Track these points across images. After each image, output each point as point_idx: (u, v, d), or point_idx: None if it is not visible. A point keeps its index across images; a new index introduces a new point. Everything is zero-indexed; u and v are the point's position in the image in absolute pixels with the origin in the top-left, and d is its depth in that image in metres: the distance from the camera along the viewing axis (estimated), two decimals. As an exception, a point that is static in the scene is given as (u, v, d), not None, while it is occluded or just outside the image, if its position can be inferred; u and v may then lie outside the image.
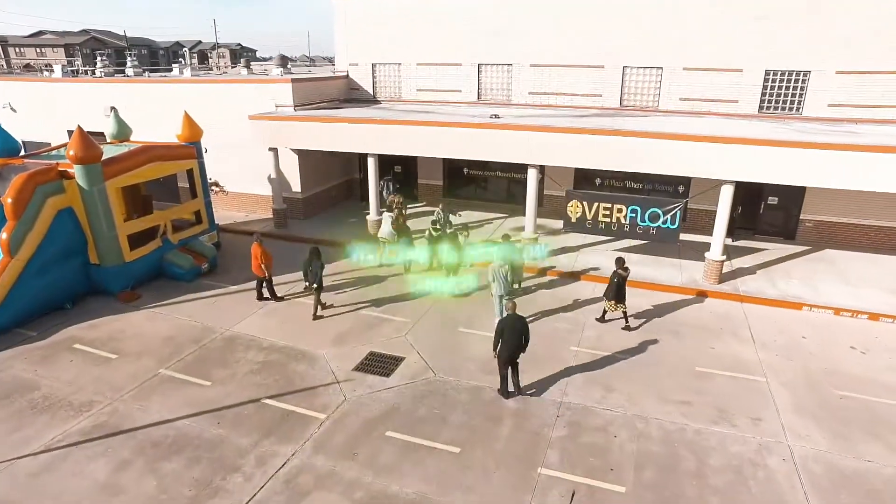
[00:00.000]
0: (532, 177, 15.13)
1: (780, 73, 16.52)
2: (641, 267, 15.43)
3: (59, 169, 12.94)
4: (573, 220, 15.22)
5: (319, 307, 13.08)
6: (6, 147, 14.49)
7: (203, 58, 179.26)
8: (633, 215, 14.59)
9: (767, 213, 17.78)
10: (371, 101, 21.29)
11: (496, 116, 16.60)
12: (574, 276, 15.10)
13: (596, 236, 16.18)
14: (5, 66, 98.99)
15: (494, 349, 9.83)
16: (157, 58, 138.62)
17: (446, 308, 13.42)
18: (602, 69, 18.11)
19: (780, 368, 10.91)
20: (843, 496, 7.87)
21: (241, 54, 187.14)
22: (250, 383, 10.42)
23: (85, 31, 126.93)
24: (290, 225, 19.03)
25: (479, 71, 19.61)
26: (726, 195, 13.67)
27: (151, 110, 19.69)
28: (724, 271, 14.67)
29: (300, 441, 8.91)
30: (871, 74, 15.64)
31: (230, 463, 8.45)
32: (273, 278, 13.93)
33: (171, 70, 31.20)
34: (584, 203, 14.92)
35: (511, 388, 10.01)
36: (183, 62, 32.66)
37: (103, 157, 13.31)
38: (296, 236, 18.06)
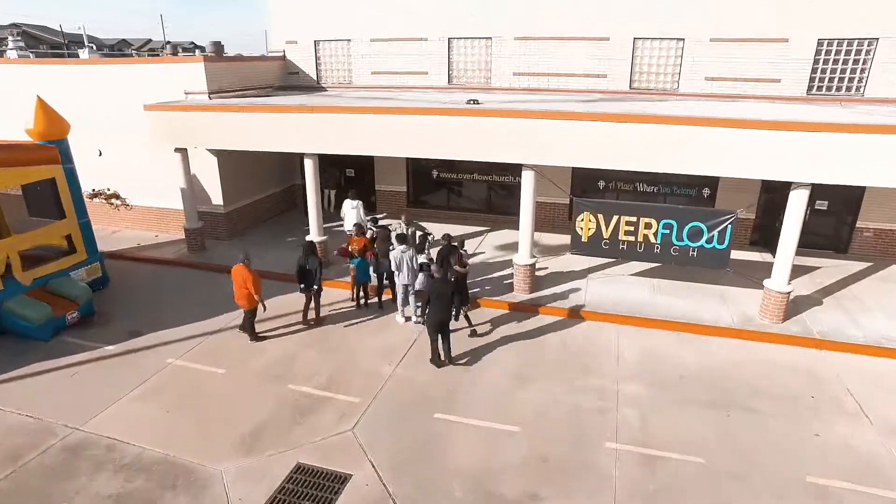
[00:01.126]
0: (528, 182, 11.11)
1: (836, 41, 12.96)
2: (673, 298, 11.62)
3: None
4: (584, 238, 11.28)
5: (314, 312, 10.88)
6: None
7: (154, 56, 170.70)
8: (667, 232, 10.73)
9: (815, 220, 14.23)
10: (314, 87, 16.97)
11: (474, 102, 12.54)
12: (587, 317, 11.18)
13: (613, 259, 12.29)
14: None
15: (422, 315, 9.81)
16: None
17: (415, 375, 9.30)
18: (606, 42, 14.24)
19: (928, 471, 7.15)
20: None
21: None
22: (82, 548, 6.09)
23: (15, 25, 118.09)
24: (209, 248, 14.61)
25: (449, 47, 15.50)
26: (798, 203, 9.94)
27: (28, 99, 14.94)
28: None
29: None
30: (951, 43, 12.19)
31: None
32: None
33: (76, 55, 26.12)
34: (600, 216, 10.99)
35: (442, 356, 9.40)
36: (94, 47, 27.59)
37: None
38: (213, 265, 13.64)
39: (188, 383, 9.12)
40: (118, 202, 16.05)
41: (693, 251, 10.73)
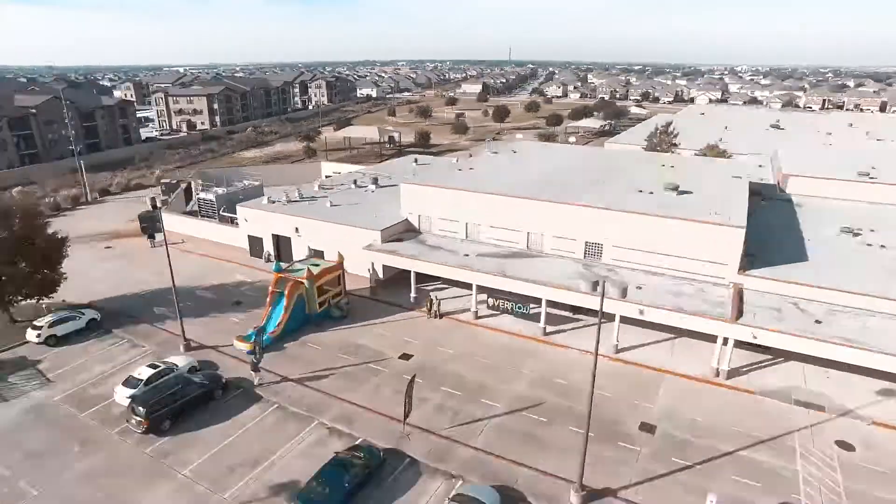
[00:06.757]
0: (476, 286, 36.57)
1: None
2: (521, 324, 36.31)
3: (298, 280, 35.96)
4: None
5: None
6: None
7: (304, 89, 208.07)
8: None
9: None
10: (415, 231, 43.22)
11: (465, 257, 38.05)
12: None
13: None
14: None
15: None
16: (269, 96, 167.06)
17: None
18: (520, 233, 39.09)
19: None
20: None
21: (335, 85, 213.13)
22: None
23: (217, 77, 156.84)
24: (378, 292, 41.46)
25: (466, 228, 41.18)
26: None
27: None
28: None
29: None
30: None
31: None
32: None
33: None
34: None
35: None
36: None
37: (311, 274, 36.32)
38: (379, 299, 40.51)
39: (370, 337, 35.66)
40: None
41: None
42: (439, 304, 37.43)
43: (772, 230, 39.46)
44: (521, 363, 32.12)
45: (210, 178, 61.60)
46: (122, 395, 28.15)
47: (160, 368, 29.68)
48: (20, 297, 35.28)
